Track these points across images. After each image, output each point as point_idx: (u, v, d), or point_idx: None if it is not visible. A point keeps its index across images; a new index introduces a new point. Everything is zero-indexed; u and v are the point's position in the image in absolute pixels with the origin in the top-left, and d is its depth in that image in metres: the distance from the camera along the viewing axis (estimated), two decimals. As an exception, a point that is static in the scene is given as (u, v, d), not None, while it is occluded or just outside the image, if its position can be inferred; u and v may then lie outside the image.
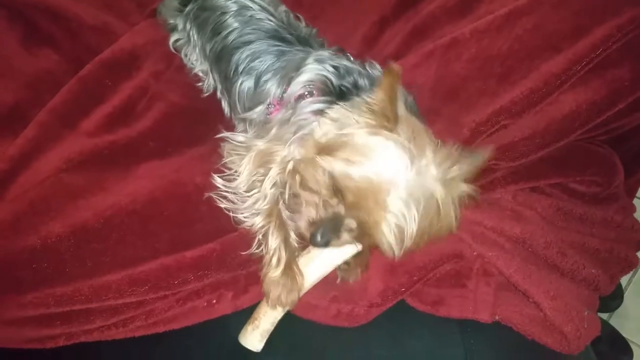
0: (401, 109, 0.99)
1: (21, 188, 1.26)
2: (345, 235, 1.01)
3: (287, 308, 1.08)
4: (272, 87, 1.27)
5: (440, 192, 0.96)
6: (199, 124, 1.35)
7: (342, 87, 1.16)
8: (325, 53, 1.24)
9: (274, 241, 1.08)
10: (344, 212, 0.99)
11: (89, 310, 1.14)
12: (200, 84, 1.50)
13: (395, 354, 1.10)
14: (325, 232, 1.00)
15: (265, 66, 1.29)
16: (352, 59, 1.26)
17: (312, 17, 1.56)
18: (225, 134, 1.28)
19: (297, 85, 1.20)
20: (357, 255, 1.09)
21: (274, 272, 1.06)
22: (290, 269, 1.07)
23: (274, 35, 1.32)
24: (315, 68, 1.20)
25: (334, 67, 1.19)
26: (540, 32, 1.20)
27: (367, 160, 0.95)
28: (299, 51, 1.29)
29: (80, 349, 1.15)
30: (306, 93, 1.19)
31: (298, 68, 1.22)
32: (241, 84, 1.30)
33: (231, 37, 1.33)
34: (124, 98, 1.41)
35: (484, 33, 1.22)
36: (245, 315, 1.11)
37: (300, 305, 1.11)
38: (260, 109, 1.28)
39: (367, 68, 1.21)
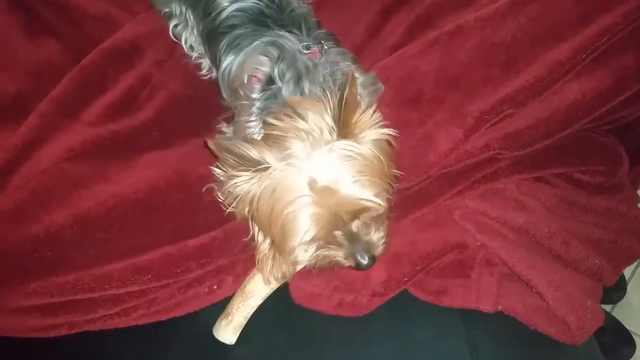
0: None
1: (24, 178, 1.26)
2: (371, 234, 1.04)
3: (270, 290, 1.09)
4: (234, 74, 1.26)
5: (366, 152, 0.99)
6: (202, 113, 1.35)
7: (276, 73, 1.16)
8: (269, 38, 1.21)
9: None
10: (347, 225, 1.00)
11: (92, 300, 1.14)
12: (201, 71, 1.49)
13: (397, 344, 1.10)
14: (362, 253, 1.02)
15: (238, 53, 1.26)
16: (323, 47, 1.22)
17: (314, 7, 1.54)
18: (219, 125, 1.28)
19: (242, 72, 1.20)
20: None
21: (262, 246, 1.07)
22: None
23: (256, 19, 1.28)
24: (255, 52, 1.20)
25: (275, 52, 1.17)
26: (545, 21, 1.19)
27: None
28: (274, 35, 1.24)
29: (83, 338, 1.16)
30: (247, 78, 1.18)
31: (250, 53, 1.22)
32: (223, 70, 1.29)
33: (218, 20, 1.31)
34: (126, 88, 1.40)
35: (488, 21, 1.21)
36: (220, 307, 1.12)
37: (303, 295, 1.12)
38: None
39: (324, 57, 1.19)
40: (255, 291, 1.09)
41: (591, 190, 1.27)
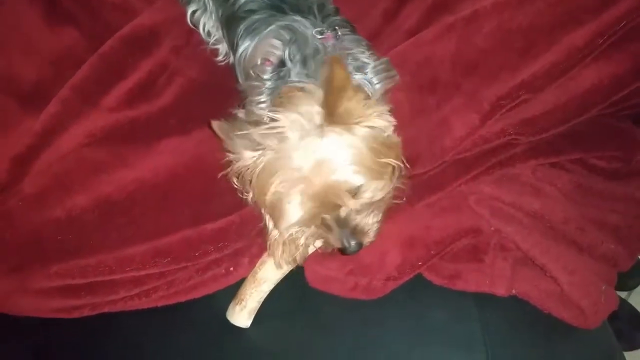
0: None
1: (45, 163, 1.29)
2: (359, 220, 1.04)
3: (281, 275, 1.11)
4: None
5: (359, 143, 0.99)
6: (218, 99, 1.35)
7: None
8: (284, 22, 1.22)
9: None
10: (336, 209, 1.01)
11: (113, 281, 1.17)
12: (217, 57, 1.50)
13: (411, 326, 1.11)
14: (348, 238, 1.03)
15: (254, 37, 1.27)
16: (336, 33, 1.21)
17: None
18: (235, 110, 1.28)
19: (256, 55, 1.22)
20: None
21: (273, 232, 1.08)
22: None
23: (274, 5, 1.29)
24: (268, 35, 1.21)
25: (287, 35, 1.18)
26: (563, 5, 1.18)
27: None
28: (289, 19, 1.25)
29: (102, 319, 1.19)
30: (260, 61, 1.20)
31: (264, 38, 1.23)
32: (240, 54, 1.30)
33: (237, 5, 1.32)
34: (144, 74, 1.41)
35: (505, 6, 1.20)
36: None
37: (318, 278, 1.13)
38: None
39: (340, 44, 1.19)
40: (267, 277, 1.11)
41: (608, 176, 1.26)
